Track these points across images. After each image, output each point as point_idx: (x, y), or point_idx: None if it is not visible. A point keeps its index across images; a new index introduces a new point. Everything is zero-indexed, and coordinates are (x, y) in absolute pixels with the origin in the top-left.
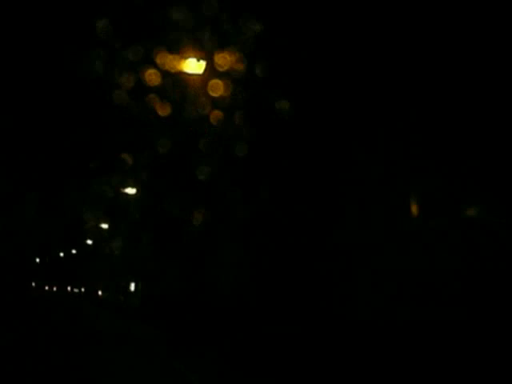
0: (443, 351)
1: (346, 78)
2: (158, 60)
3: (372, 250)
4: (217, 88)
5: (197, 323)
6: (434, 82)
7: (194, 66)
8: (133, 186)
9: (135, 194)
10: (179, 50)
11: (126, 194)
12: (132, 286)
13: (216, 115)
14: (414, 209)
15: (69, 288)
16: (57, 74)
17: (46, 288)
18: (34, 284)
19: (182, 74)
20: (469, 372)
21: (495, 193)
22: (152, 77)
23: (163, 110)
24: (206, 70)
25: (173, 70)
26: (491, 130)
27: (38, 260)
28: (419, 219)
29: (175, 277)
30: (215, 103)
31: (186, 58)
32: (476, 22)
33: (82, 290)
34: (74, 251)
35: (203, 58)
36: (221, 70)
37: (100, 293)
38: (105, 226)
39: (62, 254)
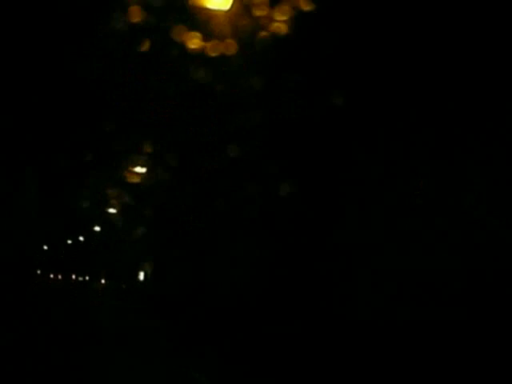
0: (443, 351)
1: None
2: None
3: (372, 249)
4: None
5: (202, 320)
6: (434, 81)
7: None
8: (143, 166)
9: (145, 175)
10: None
11: (136, 175)
12: (141, 275)
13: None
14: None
15: (73, 276)
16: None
17: (51, 276)
18: (39, 272)
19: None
20: (469, 372)
21: (496, 192)
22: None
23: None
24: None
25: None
26: (492, 130)
27: (45, 248)
28: (419, 219)
29: (185, 269)
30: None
31: None
32: (475, 22)
33: (87, 278)
34: (81, 238)
35: None
36: None
37: (103, 281)
38: (113, 210)
39: (69, 242)
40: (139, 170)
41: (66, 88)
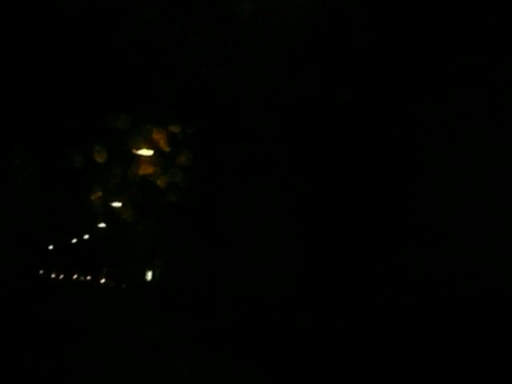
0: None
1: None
2: None
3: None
4: None
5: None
6: None
7: None
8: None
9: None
10: None
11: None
12: (149, 275)
13: None
14: None
15: (75, 276)
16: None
17: (53, 276)
18: (41, 272)
19: None
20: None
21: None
22: None
23: None
24: None
25: None
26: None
27: (50, 247)
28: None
29: (201, 264)
30: None
31: None
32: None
33: (88, 278)
34: (86, 236)
35: None
36: None
37: (103, 281)
38: (117, 204)
39: (74, 240)
40: (145, 152)
41: (75, 83)
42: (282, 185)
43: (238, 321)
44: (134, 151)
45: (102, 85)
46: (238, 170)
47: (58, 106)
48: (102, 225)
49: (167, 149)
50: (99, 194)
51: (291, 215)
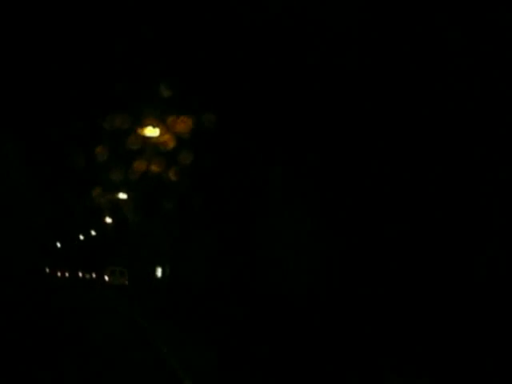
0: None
1: None
2: None
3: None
4: None
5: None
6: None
7: None
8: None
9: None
10: None
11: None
12: (159, 271)
13: None
14: None
15: (80, 274)
16: None
17: (58, 274)
18: (47, 270)
19: None
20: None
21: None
22: None
23: None
24: None
25: None
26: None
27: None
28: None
29: (210, 257)
30: None
31: None
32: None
33: (93, 275)
34: (93, 233)
35: None
36: None
37: (106, 278)
38: (123, 196)
39: (81, 237)
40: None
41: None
42: (285, 181)
43: (243, 321)
44: (140, 132)
45: (104, 83)
46: (242, 167)
47: (59, 104)
48: (109, 220)
49: (171, 146)
50: (99, 190)
51: (297, 210)
